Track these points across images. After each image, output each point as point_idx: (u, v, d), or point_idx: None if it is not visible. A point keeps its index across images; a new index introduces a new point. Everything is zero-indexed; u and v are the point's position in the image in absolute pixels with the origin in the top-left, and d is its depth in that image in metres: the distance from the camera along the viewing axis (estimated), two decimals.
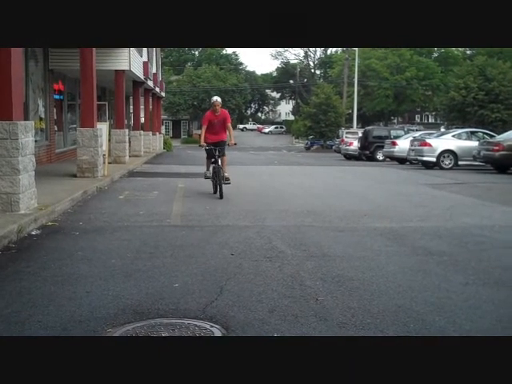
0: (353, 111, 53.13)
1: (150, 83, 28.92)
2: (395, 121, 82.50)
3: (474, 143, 22.30)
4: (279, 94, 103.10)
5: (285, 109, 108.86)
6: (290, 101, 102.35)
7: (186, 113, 69.81)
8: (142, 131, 27.91)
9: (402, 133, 31.49)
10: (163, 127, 56.50)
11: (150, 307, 4.26)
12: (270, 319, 4.02)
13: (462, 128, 29.56)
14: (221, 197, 10.89)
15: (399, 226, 8.18)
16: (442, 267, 5.68)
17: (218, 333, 3.76)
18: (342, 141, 36.43)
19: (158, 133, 36.21)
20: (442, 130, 30.50)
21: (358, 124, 57.88)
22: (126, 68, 20.28)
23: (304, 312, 4.19)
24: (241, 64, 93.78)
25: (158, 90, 34.03)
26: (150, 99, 33.52)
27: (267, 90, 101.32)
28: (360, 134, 33.55)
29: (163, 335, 3.71)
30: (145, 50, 26.28)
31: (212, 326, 3.88)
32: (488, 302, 4.49)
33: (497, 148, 19.94)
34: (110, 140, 18.34)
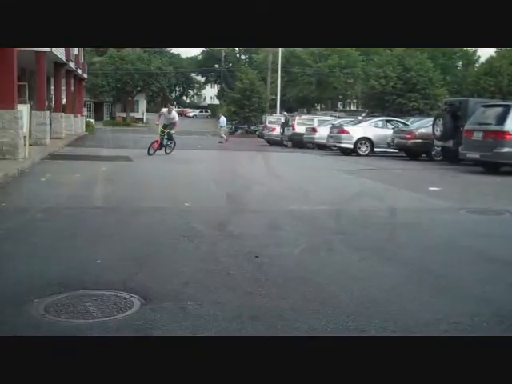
0: (276, 97, 53.91)
1: (72, 65, 28.55)
2: (318, 107, 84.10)
3: (389, 131, 23.39)
4: (204, 78, 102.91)
5: (210, 93, 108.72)
6: (216, 85, 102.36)
7: (109, 95, 68.69)
8: (63, 113, 27.56)
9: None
10: (85, 109, 55.49)
11: (74, 280, 4.59)
12: (184, 290, 4.45)
13: (380, 116, 30.72)
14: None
15: (311, 209, 8.75)
16: (343, 245, 6.26)
17: (137, 302, 4.16)
18: (265, 126, 37.10)
19: (79, 115, 35.75)
20: (360, 118, 31.55)
21: (281, 110, 58.75)
22: (48, 49, 20.03)
23: (216, 283, 4.64)
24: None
25: (80, 71, 33.56)
26: (72, 81, 33.00)
27: (192, 74, 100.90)
28: (282, 120, 34.28)
29: (87, 305, 4.08)
30: None
31: (132, 296, 4.27)
32: (378, 274, 5.08)
33: (409, 136, 21.04)
34: (30, 122, 18.15)
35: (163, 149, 19.38)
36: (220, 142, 33.93)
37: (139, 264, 5.16)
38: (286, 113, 40.31)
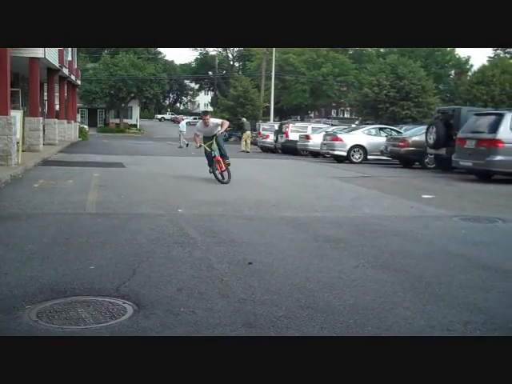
0: (270, 105, 53.95)
1: (66, 71, 28.51)
2: (312, 115, 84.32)
3: (382, 139, 23.46)
4: (198, 85, 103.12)
5: (203, 100, 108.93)
6: (209, 92, 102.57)
7: (102, 101, 68.57)
8: (56, 119, 27.52)
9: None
10: (79, 115, 55.34)
11: (67, 287, 4.58)
12: (177, 296, 4.44)
13: (373, 124, 30.82)
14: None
15: (304, 216, 8.76)
16: (337, 252, 6.27)
17: (130, 309, 4.15)
18: (259, 133, 37.13)
19: (73, 121, 35.69)
20: (353, 126, 31.67)
21: (275, 117, 58.82)
22: (41, 56, 20.02)
23: (209, 290, 4.63)
24: (159, 53, 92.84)
25: (73, 77, 33.52)
26: (65, 87, 32.94)
27: (186, 81, 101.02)
28: (276, 128, 34.32)
29: (79, 311, 4.07)
30: None
31: (124, 303, 4.26)
32: (372, 281, 5.08)
33: (402, 144, 21.10)
34: (23, 128, 18.13)
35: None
36: (180, 147, 32.59)
37: (132, 270, 5.15)
38: (244, 119, 39.48)
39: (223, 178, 13.26)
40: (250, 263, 5.58)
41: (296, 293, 4.64)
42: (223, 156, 13.53)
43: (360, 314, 4.16)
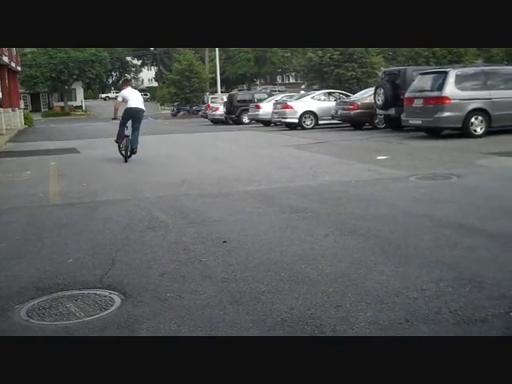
0: (216, 76, 53.68)
1: (5, 59, 27.77)
2: (258, 82, 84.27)
3: (331, 103, 23.75)
4: (140, 61, 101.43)
5: (147, 75, 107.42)
6: (152, 67, 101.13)
7: (44, 85, 67.05)
8: (1, 108, 26.86)
9: (265, 96, 32.69)
10: (22, 102, 53.98)
11: (50, 282, 4.66)
12: (161, 282, 4.57)
13: (320, 89, 31.09)
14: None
15: (268, 188, 8.93)
16: (306, 222, 6.47)
17: (117, 299, 4.26)
18: (208, 106, 37.04)
19: (17, 108, 34.87)
20: (302, 92, 31.85)
21: (221, 88, 58.58)
22: None
23: (190, 273, 4.78)
24: None
25: (13, 64, 32.64)
26: (6, 74, 32.06)
27: (128, 58, 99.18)
28: (225, 99, 34.31)
29: (68, 306, 4.16)
30: None
31: (111, 293, 4.37)
32: (344, 249, 5.31)
33: (352, 107, 21.43)
34: None
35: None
36: None
37: (111, 260, 5.25)
38: None
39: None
40: (224, 241, 5.73)
41: (274, 267, 4.82)
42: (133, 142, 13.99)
43: (338, 282, 4.37)
